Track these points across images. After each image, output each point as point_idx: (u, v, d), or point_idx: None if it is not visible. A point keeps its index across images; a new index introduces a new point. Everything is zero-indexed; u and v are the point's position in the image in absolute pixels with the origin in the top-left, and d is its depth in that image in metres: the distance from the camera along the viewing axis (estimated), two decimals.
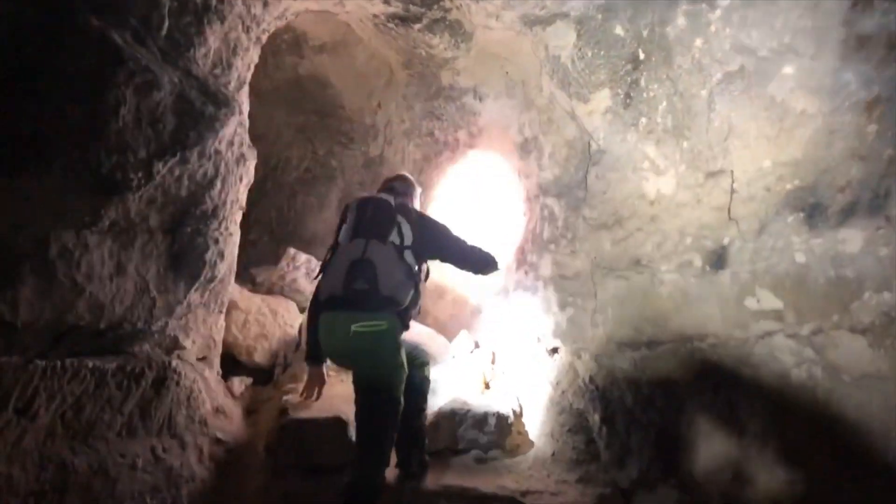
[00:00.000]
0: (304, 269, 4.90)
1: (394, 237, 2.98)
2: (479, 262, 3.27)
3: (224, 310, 3.91)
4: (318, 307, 3.00)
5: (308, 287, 4.79)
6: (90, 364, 2.81)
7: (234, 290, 4.37)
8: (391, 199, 3.14)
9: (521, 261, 4.36)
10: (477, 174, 4.82)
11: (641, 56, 3.30)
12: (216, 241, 3.28)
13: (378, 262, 2.88)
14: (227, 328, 4.13)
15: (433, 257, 3.23)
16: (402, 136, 5.33)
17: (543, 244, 4.12)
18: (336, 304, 2.88)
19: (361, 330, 2.80)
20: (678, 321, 3.18)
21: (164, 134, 2.80)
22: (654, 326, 3.32)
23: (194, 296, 3.30)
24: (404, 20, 4.42)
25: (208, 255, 3.24)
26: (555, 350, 4.03)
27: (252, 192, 4.03)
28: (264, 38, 3.92)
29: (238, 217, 3.87)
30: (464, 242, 3.23)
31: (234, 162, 3.34)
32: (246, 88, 3.79)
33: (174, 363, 3.19)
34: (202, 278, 3.25)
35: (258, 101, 5.91)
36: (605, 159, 3.64)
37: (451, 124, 4.94)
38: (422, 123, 5.13)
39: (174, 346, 3.28)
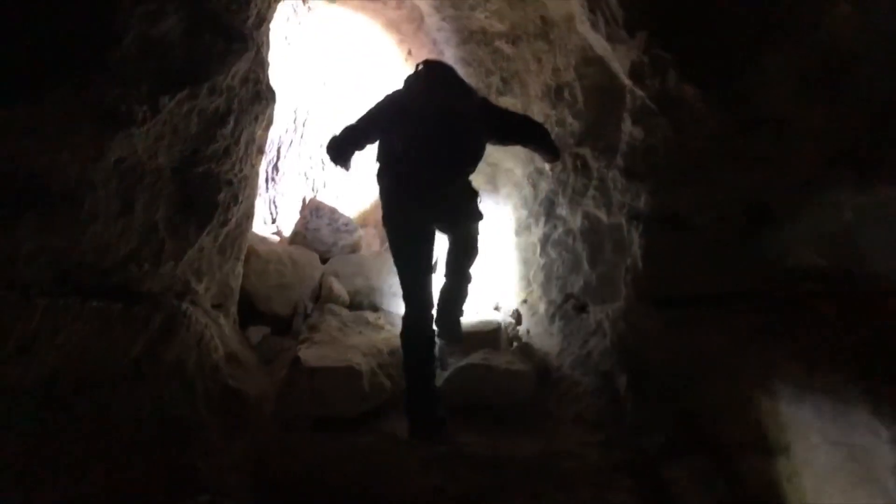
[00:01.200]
0: (326, 220, 4.79)
1: None
2: None
3: (242, 257, 3.83)
4: None
5: (331, 238, 4.70)
6: (95, 304, 2.74)
7: (255, 238, 4.30)
8: None
9: (551, 214, 4.18)
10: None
11: None
12: (229, 183, 3.18)
13: None
14: (246, 276, 4.06)
15: None
16: None
17: (575, 196, 3.94)
18: None
19: None
20: (717, 280, 2.99)
21: (171, 67, 2.67)
22: (689, 285, 3.14)
23: (207, 240, 3.21)
24: None
25: (221, 197, 3.14)
26: (583, 308, 3.86)
27: (281, 144, 3.93)
28: None
29: (258, 161, 3.77)
30: None
31: (249, 101, 3.22)
32: (267, 27, 3.65)
33: (184, 307, 3.12)
34: (214, 221, 3.15)
35: (288, 49, 5.80)
36: (642, 104, 3.44)
37: (483, 70, 4.73)
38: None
39: (185, 290, 3.20)
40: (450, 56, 4.91)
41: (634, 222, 3.43)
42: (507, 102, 4.62)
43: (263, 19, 3.55)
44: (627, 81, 3.49)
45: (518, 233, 4.60)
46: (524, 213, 4.56)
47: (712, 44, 2.94)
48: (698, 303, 3.11)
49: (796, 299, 2.62)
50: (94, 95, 2.45)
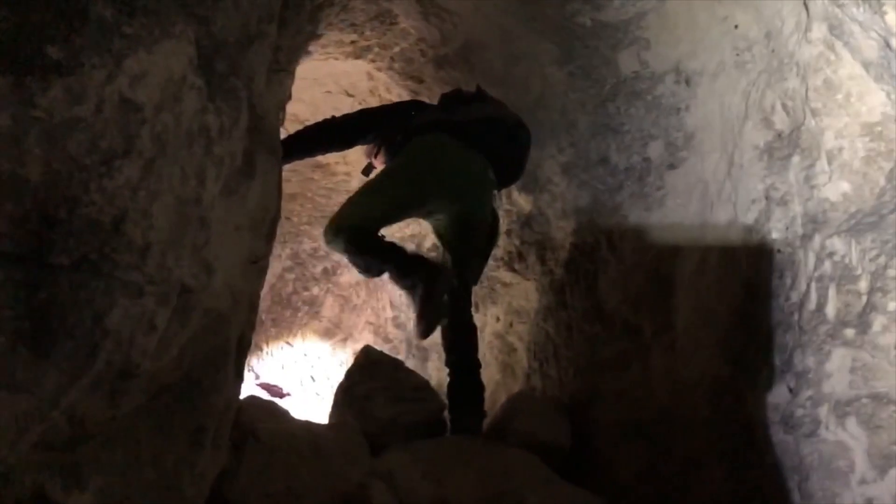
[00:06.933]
0: (385, 380, 3.27)
1: None
2: None
3: (217, 441, 2.36)
4: None
5: (389, 411, 3.14)
6: None
7: (258, 409, 2.86)
8: None
9: (768, 365, 2.46)
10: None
11: None
12: (136, 291, 1.77)
13: None
14: (230, 477, 2.58)
15: None
16: (560, 175, 3.74)
17: (827, 329, 2.23)
18: None
19: None
20: None
21: None
22: None
23: (93, 401, 1.76)
24: None
25: (112, 319, 1.72)
26: None
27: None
28: None
29: (253, 277, 2.42)
30: None
31: (187, 140, 1.87)
32: (264, 49, 2.40)
33: None
34: (100, 364, 1.72)
35: None
36: None
37: (637, 137, 3.27)
38: (589, 146, 3.52)
39: None
40: (583, 126, 3.53)
41: None
42: (679, 184, 3.06)
43: (259, 34, 2.31)
44: None
45: None
46: None
47: None
48: None
49: None
50: None
